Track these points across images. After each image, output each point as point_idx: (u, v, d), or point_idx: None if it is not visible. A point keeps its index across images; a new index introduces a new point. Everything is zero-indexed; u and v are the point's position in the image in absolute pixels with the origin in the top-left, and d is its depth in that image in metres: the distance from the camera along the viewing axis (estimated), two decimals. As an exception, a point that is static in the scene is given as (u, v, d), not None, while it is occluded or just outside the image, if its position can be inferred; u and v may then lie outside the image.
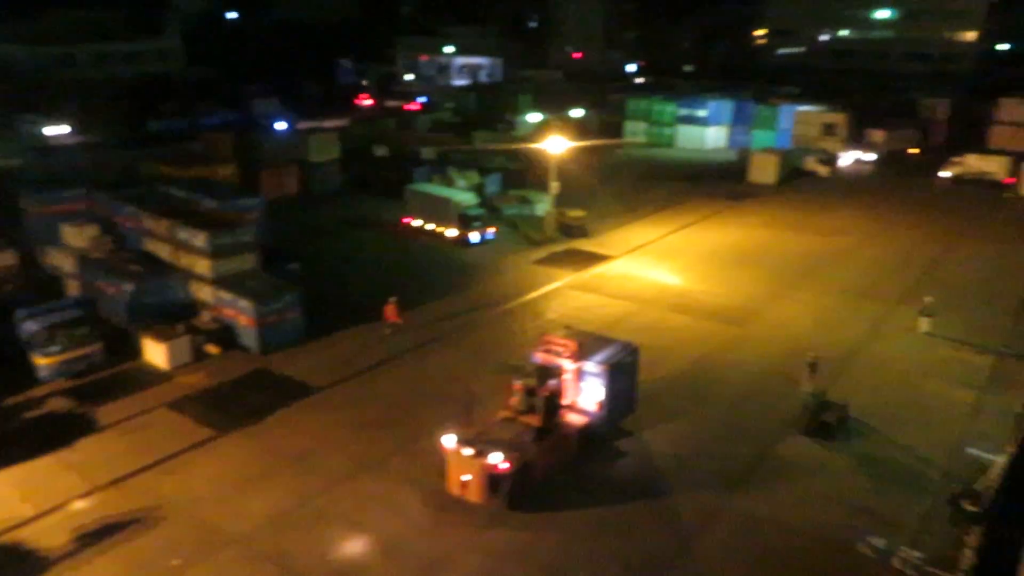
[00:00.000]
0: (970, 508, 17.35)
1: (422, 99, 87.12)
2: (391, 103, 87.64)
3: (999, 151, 57.97)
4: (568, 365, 20.32)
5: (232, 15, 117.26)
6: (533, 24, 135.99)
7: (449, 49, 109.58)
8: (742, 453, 20.93)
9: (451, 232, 39.93)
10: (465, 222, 39.73)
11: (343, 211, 46.15)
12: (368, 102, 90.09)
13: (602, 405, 20.48)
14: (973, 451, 20.35)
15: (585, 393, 20.62)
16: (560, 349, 20.35)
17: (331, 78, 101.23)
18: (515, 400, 19.79)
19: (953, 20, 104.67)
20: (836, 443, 21.37)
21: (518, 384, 19.75)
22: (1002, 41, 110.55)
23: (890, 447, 21.31)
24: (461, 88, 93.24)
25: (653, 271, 36.37)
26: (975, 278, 35.45)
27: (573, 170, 48.34)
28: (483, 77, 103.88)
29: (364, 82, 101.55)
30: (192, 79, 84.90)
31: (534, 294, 33.22)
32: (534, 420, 19.33)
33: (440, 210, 40.60)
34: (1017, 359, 26.36)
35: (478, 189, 45.55)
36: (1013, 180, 53.53)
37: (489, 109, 75.59)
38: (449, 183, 45.69)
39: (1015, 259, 38.09)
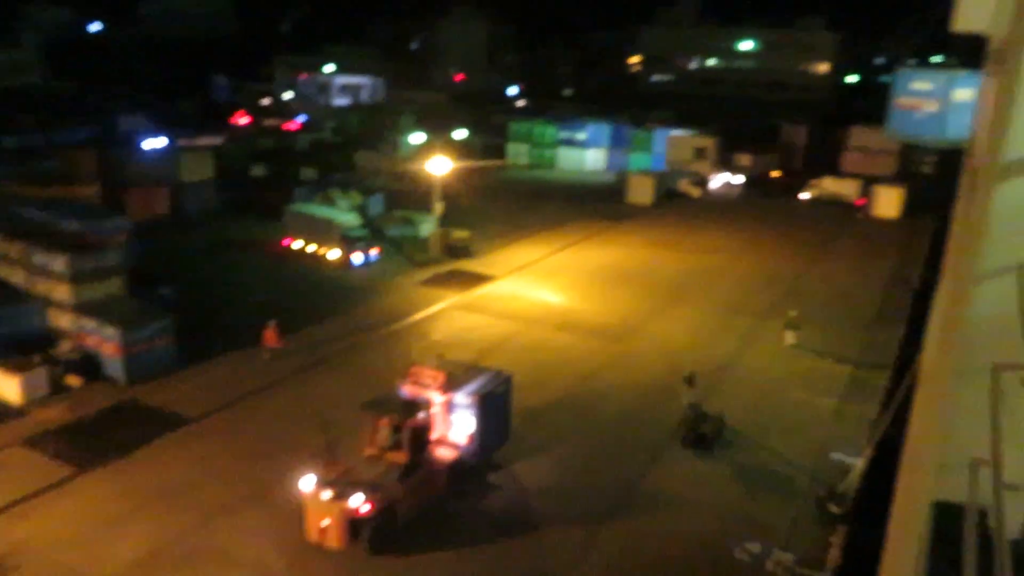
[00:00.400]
0: (835, 509, 18.43)
1: (302, 118, 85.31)
2: (269, 122, 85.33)
3: (851, 175, 62.57)
4: (437, 397, 19.57)
5: (96, 27, 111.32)
6: (415, 45, 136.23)
7: (329, 68, 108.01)
8: (624, 470, 21.41)
9: (333, 254, 39.13)
10: (348, 243, 39.04)
11: (220, 233, 44.40)
12: (245, 120, 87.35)
13: (473, 438, 19.81)
14: (836, 456, 21.66)
15: (455, 426, 19.88)
16: (428, 381, 19.64)
17: (205, 95, 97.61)
18: (380, 436, 18.76)
19: (807, 53, 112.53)
20: (713, 453, 22.24)
21: (383, 419, 18.76)
22: (850, 73, 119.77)
23: (763, 455, 22.37)
24: (342, 108, 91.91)
25: (538, 290, 36.89)
26: (834, 292, 37.94)
27: (457, 191, 48.53)
28: (365, 97, 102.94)
29: (240, 99, 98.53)
30: (52, 92, 79.79)
31: (419, 315, 32.98)
32: (400, 457, 18.32)
33: (322, 231, 39.73)
34: (871, 368, 28.30)
35: (361, 210, 44.91)
36: (864, 201, 57.83)
37: (371, 129, 74.93)
38: (331, 204, 44.82)
39: (868, 274, 41.05)
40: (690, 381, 23.67)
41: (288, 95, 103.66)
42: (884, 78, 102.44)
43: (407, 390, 19.78)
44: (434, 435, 19.55)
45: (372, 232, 41.79)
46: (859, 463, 19.12)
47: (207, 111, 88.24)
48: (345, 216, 40.88)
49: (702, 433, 22.56)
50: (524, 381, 26.03)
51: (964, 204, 3.51)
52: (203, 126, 76.15)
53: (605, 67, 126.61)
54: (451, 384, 19.81)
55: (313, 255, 39.76)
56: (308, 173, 54.10)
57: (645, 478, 21.02)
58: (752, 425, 23.83)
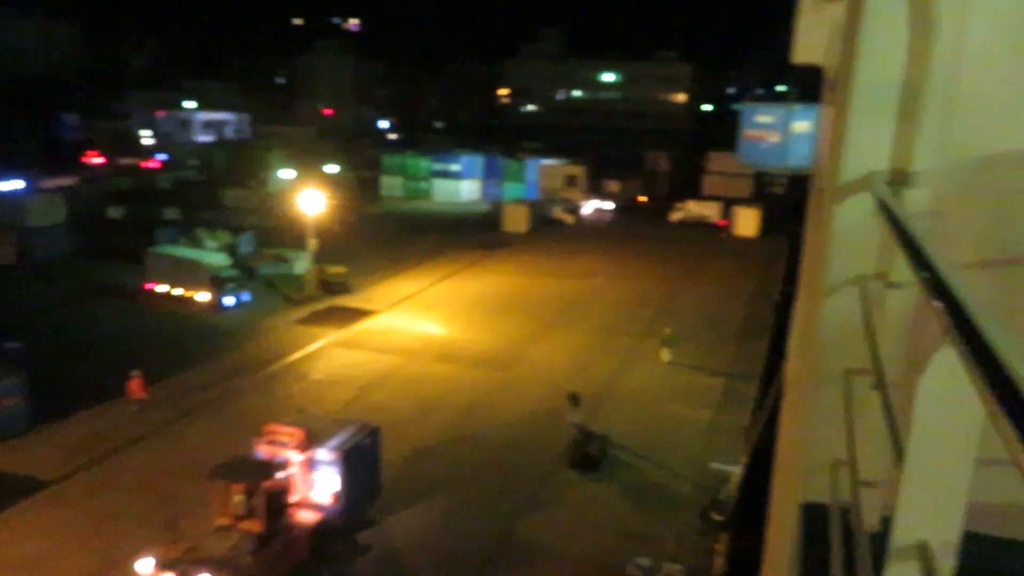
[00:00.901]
0: (716, 517, 19.15)
1: (162, 156, 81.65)
2: (126, 160, 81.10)
3: (713, 197, 66.12)
4: (295, 456, 18.11)
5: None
6: (281, 80, 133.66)
7: (190, 104, 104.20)
8: (509, 503, 21.43)
9: (202, 296, 37.41)
10: (218, 285, 37.46)
11: (74, 279, 41.53)
12: (98, 160, 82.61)
13: (338, 496, 18.43)
14: (716, 465, 22.55)
15: (318, 485, 18.45)
16: (285, 439, 18.17)
17: (53, 134, 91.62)
18: (233, 504, 16.94)
19: (666, 84, 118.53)
20: (601, 473, 22.67)
21: (236, 485, 16.95)
22: (705, 102, 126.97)
23: (648, 470, 23.01)
24: (206, 145, 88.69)
25: (418, 323, 36.64)
26: (704, 309, 39.75)
27: (331, 226, 47.67)
28: (230, 133, 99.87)
29: (92, 138, 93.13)
30: None
31: (297, 355, 32.00)
32: (255, 525, 16.66)
33: (189, 273, 37.93)
34: (741, 379, 29.76)
35: (230, 249, 43.29)
36: (726, 222, 61.17)
37: (239, 166, 72.68)
38: (198, 244, 42.99)
39: (734, 290, 43.30)
40: (574, 400, 24.06)
41: (146, 133, 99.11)
42: (736, 106, 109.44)
43: (262, 451, 18.23)
44: (294, 498, 18.07)
45: (243, 272, 40.34)
46: (737, 471, 19.98)
47: (55, 151, 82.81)
48: (214, 256, 39.27)
49: (588, 454, 22.96)
50: (407, 416, 25.75)
51: (812, 224, 3.80)
52: (51, 167, 71.39)
53: (475, 99, 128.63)
54: (311, 441, 18.41)
55: (180, 299, 37.84)
56: (171, 213, 51.71)
57: (535, 501, 21.13)
58: (636, 442, 24.48)
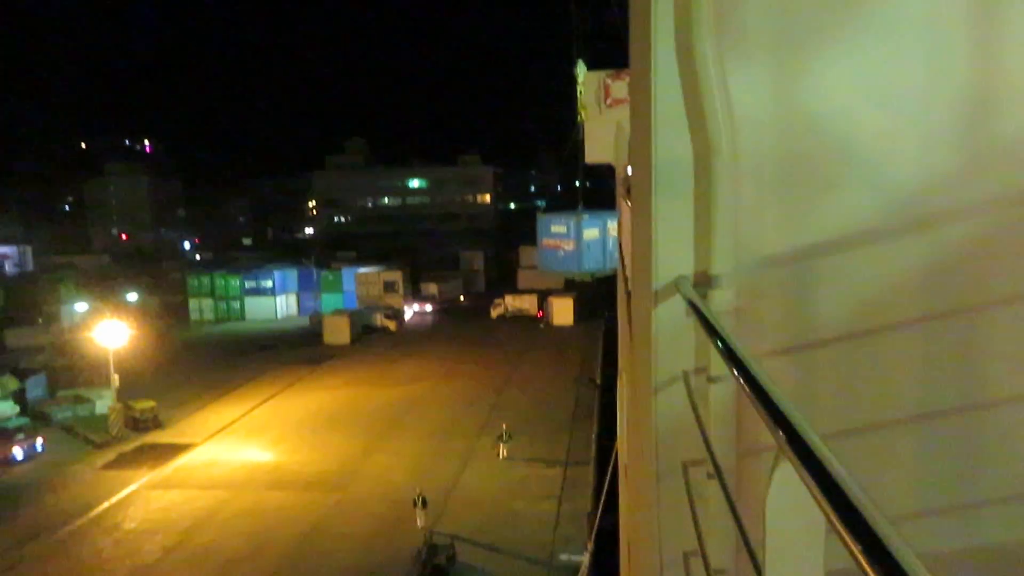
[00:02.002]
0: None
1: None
2: None
3: (528, 290, 68.58)
4: None
5: None
6: (67, 206, 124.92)
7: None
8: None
9: (-15, 452, 33.10)
10: (5, 437, 33.40)
11: None
12: None
13: None
14: (564, 556, 22.65)
15: None
16: None
17: None
18: None
19: (471, 186, 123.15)
20: (452, 583, 22.03)
21: None
22: (510, 201, 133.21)
23: (499, 571, 22.61)
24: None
25: (243, 451, 34.42)
26: (533, 400, 40.51)
27: (136, 358, 44.23)
28: (10, 268, 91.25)
29: None
30: None
31: (105, 504, 28.87)
32: None
33: (-33, 428, 33.57)
34: (577, 465, 30.42)
35: (17, 396, 38.92)
36: (542, 313, 63.50)
37: (23, 303, 66.28)
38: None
39: (559, 378, 44.60)
40: (423, 503, 23.39)
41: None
42: (539, 202, 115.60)
43: None
44: None
45: (35, 420, 36.33)
46: (584, 558, 20.15)
47: None
48: (-3, 406, 35.12)
49: (437, 565, 22.30)
50: (239, 553, 23.88)
51: (634, 323, 4.09)
52: None
53: (284, 213, 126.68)
54: None
55: (-43, 459, 33.23)
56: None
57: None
58: (484, 541, 24.08)
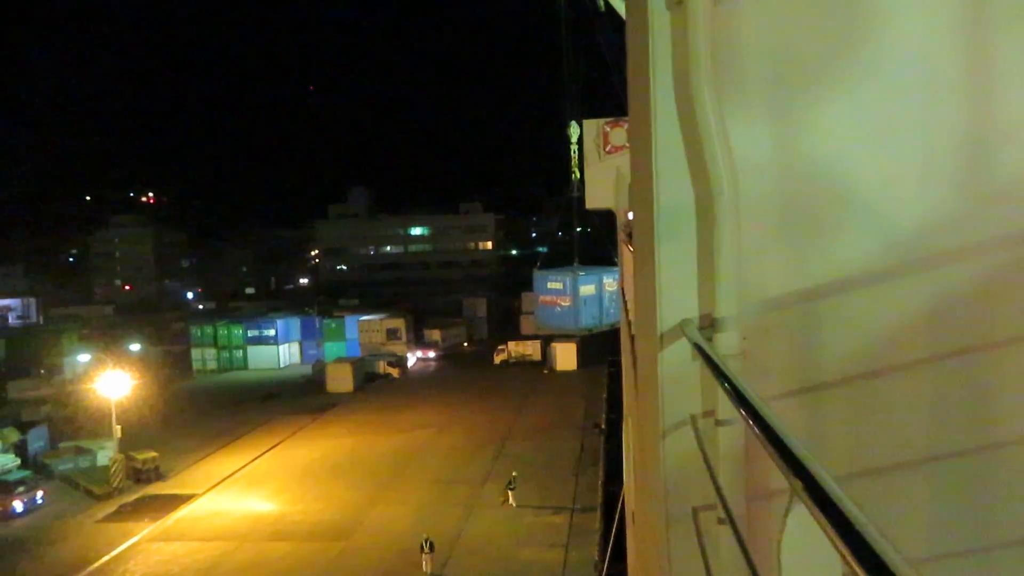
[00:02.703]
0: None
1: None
2: None
3: (531, 336, 68.38)
4: None
5: None
6: (70, 258, 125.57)
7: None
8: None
9: (-15, 506, 32.77)
10: (5, 490, 33.10)
11: None
12: None
13: None
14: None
15: None
16: None
17: None
18: None
19: (472, 233, 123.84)
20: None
21: None
22: (512, 247, 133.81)
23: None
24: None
25: (245, 501, 34.03)
26: (538, 446, 40.12)
27: (139, 409, 44.01)
28: (13, 320, 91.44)
29: None
30: None
31: (105, 558, 28.47)
32: None
33: (-33, 482, 33.28)
34: (583, 512, 30.00)
35: (19, 448, 38.68)
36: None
37: (25, 356, 66.32)
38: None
39: (564, 423, 44.23)
40: (430, 546, 23.00)
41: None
42: (541, 248, 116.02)
43: None
44: None
45: (36, 472, 36.05)
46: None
47: None
48: (-2, 459, 34.86)
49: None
50: (243, 608, 23.43)
51: (639, 368, 4.09)
52: None
53: (286, 262, 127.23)
54: None
55: (-44, 513, 32.89)
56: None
57: None
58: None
